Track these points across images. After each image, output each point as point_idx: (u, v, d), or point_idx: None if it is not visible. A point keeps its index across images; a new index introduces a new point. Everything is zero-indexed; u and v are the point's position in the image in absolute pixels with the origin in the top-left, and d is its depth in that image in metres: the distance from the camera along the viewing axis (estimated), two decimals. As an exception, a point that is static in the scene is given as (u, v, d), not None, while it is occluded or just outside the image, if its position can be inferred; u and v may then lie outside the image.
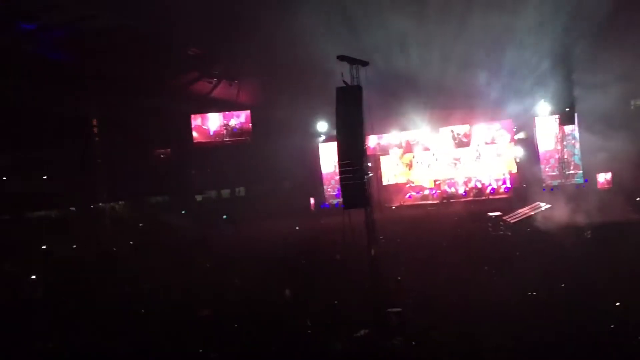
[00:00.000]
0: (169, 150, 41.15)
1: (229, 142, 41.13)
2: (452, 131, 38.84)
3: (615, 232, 20.23)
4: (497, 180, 38.53)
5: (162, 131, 38.92)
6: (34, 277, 23.83)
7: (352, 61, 17.51)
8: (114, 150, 35.45)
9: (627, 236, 19.96)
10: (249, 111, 41.56)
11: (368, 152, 18.25)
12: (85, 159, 33.88)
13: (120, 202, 37.95)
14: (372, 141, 37.47)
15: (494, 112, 37.10)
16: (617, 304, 13.60)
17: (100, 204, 34.58)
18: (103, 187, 33.70)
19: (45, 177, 34.20)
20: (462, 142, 38.79)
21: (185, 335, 14.42)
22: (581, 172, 35.76)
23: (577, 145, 35.69)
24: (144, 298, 19.29)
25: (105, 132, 34.93)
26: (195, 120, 40.92)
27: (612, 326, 12.19)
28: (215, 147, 40.86)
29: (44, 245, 28.89)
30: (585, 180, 35.35)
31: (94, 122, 34.20)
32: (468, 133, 38.63)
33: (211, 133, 41.01)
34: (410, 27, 29.87)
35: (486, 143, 38.48)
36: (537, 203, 28.41)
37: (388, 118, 36.29)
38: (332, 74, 18.04)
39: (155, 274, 22.65)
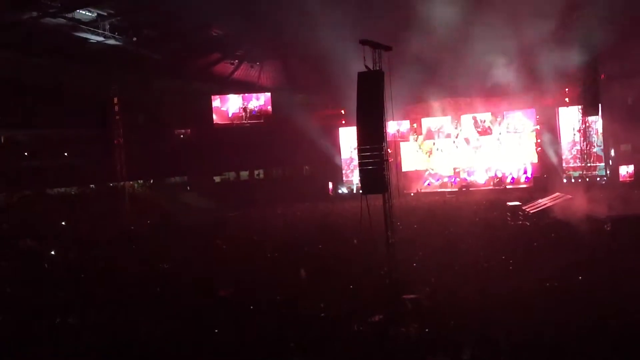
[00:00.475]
0: (189, 130, 41.30)
1: (248, 125, 41.20)
2: (474, 118, 38.64)
3: (635, 226, 19.97)
4: (517, 170, 38.27)
5: (183, 112, 39.14)
6: (53, 252, 24.13)
7: (375, 45, 17.36)
8: (135, 129, 35.70)
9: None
10: (269, 94, 41.58)
11: (388, 138, 18.12)
12: (106, 137, 34.11)
13: (139, 181, 38.23)
14: (392, 127, 37.30)
15: (517, 100, 36.86)
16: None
17: (120, 183, 34.87)
18: (122, 166, 33.93)
19: (66, 154, 34.55)
20: (483, 130, 38.59)
21: (201, 314, 14.50)
22: (603, 164, 35.43)
23: (600, 137, 35.33)
24: (160, 277, 19.41)
25: (127, 111, 35.12)
26: (215, 102, 41.05)
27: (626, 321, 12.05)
28: (234, 129, 40.98)
29: (63, 222, 29.18)
30: (604, 174, 35.06)
31: (115, 101, 34.34)
32: (490, 121, 38.42)
33: (230, 115, 41.14)
34: (434, 12, 29.65)
35: (508, 132, 38.21)
36: (557, 194, 28.18)
37: (409, 104, 36.13)
38: (355, 58, 17.93)
39: (171, 254, 22.86)
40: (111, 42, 31.06)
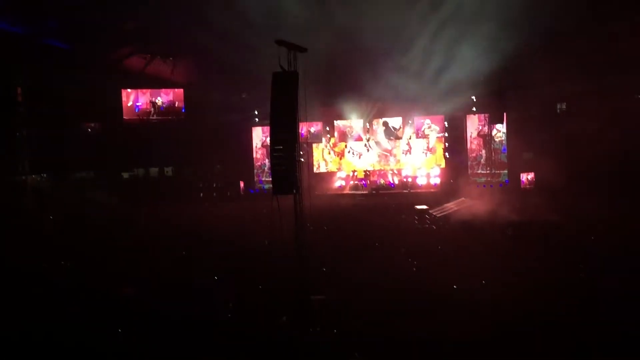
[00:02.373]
0: (97, 124, 40.03)
1: (155, 120, 40.38)
2: (385, 123, 39.32)
3: (534, 231, 20.86)
4: (426, 174, 39.22)
5: (92, 105, 37.85)
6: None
7: (290, 46, 17.37)
8: (40, 122, 34.35)
9: (546, 236, 20.66)
10: (180, 90, 40.90)
11: (300, 139, 18.15)
12: (8, 129, 32.65)
13: (43, 175, 36.75)
14: (305, 128, 37.46)
15: (426, 107, 37.82)
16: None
17: (22, 177, 33.43)
18: (25, 158, 32.53)
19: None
20: (394, 135, 39.34)
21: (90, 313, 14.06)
22: (506, 171, 36.84)
23: (504, 145, 36.73)
24: (60, 274, 18.75)
25: (31, 103, 33.73)
26: (125, 96, 40.03)
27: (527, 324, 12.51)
28: (145, 125, 40.05)
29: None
30: (506, 181, 36.50)
31: (19, 92, 32.89)
32: (400, 126, 39.23)
33: (137, 110, 40.20)
34: (349, 18, 30.05)
35: (417, 137, 39.10)
36: (463, 198, 29.06)
37: (323, 106, 36.37)
38: (270, 57, 17.88)
39: (72, 250, 22.14)
40: (16, 30, 29.78)
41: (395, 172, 39.73)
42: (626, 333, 11.69)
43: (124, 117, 39.85)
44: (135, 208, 33.33)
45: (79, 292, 16.17)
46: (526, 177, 36.03)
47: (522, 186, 36.00)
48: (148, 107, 40.36)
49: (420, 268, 18.07)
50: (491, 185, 35.93)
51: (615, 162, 30.20)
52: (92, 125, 39.88)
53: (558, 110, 36.83)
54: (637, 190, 29.11)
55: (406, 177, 39.37)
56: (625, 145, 30.25)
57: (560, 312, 13.15)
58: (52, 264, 20.34)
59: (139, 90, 40.35)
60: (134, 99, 40.28)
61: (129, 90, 40.15)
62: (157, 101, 40.52)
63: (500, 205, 26.05)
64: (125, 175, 40.33)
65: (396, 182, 39.56)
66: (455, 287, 15.53)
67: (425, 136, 38.93)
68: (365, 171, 40.30)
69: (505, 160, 36.98)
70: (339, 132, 40.19)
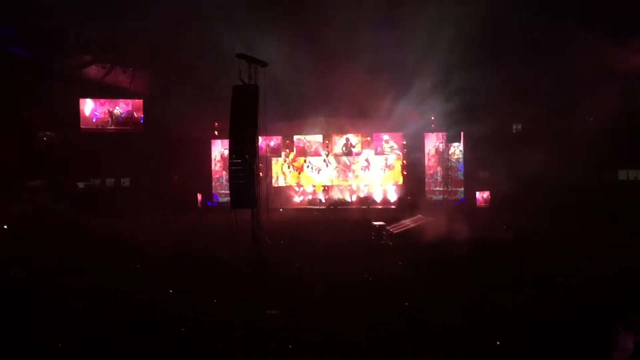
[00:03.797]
0: (53, 133, 39.37)
1: (113, 131, 39.97)
2: (346, 139, 39.61)
3: (488, 250, 21.16)
4: (384, 191, 39.54)
5: (48, 114, 37.28)
6: None
7: (251, 60, 17.49)
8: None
9: (501, 253, 21.00)
10: (139, 100, 40.59)
11: (259, 153, 18.21)
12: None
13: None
14: (264, 142, 37.49)
15: (386, 124, 38.19)
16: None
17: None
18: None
19: None
20: (353, 151, 39.64)
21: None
22: (462, 189, 37.38)
23: (461, 163, 37.30)
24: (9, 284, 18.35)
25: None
26: (83, 105, 39.52)
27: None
28: (103, 135, 39.59)
29: None
30: (462, 199, 37.05)
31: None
32: (359, 142, 39.56)
33: (95, 120, 39.71)
34: (311, 34, 30.34)
35: (376, 154, 39.44)
36: (420, 215, 29.32)
37: (282, 121, 36.43)
38: (231, 71, 17.95)
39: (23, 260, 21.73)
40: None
41: (354, 188, 39.95)
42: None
43: (82, 127, 39.31)
44: (90, 218, 32.82)
45: (28, 302, 15.84)
46: (482, 195, 36.59)
47: (477, 204, 36.55)
48: (106, 117, 39.95)
49: (375, 283, 18.20)
50: (442, 204, 36.38)
51: (568, 180, 30.91)
52: (49, 133, 39.21)
53: (514, 130, 37.59)
54: (587, 209, 29.87)
55: (363, 193, 39.63)
56: (577, 164, 31.05)
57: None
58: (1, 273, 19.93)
59: (98, 99, 39.88)
60: (92, 109, 39.80)
61: (87, 99, 39.63)
62: (115, 111, 40.12)
63: (455, 223, 26.34)
64: (81, 185, 39.69)
65: (354, 198, 39.78)
66: (406, 303, 15.67)
67: (383, 153, 39.29)
68: (323, 186, 40.44)
69: (462, 179, 37.52)
70: (298, 147, 40.31)
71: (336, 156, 40.08)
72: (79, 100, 39.32)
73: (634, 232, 24.88)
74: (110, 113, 40.04)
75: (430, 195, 37.94)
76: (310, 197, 40.45)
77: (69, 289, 17.47)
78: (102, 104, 40.00)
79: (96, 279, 19.03)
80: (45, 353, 12.26)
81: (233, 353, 12.26)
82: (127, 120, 40.35)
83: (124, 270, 20.43)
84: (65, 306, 15.63)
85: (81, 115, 39.43)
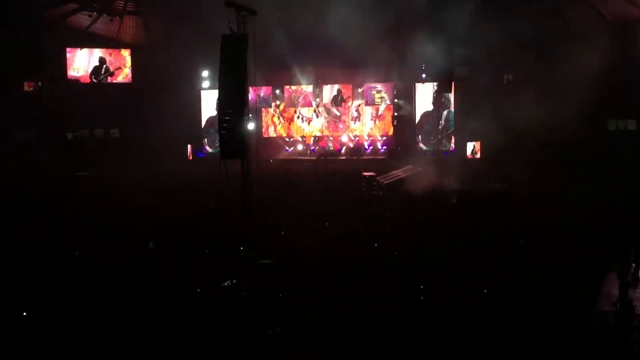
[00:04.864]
0: (39, 83, 38.86)
1: (104, 81, 39.54)
2: (336, 89, 39.40)
3: (478, 200, 21.29)
4: (374, 141, 39.50)
5: (34, 64, 36.72)
6: None
7: (239, 8, 17.17)
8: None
9: (490, 203, 21.12)
10: (128, 50, 40.04)
11: (249, 103, 18.07)
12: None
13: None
14: (254, 93, 37.19)
15: (376, 74, 37.92)
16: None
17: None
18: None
19: None
20: (343, 101, 39.46)
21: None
22: (453, 139, 37.34)
23: (452, 114, 37.17)
24: None
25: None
26: (70, 55, 38.94)
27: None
28: (90, 85, 39.17)
29: None
30: (453, 150, 37.00)
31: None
32: (350, 92, 39.36)
33: (85, 70, 39.19)
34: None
35: (367, 104, 39.28)
36: (410, 166, 29.38)
37: (273, 71, 36.05)
38: (220, 19, 17.64)
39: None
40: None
41: (344, 138, 39.87)
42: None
43: (69, 77, 38.84)
44: (79, 169, 32.75)
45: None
46: (473, 146, 36.60)
47: (468, 155, 36.58)
48: (95, 67, 39.44)
49: (364, 234, 18.33)
50: (432, 154, 36.28)
51: (558, 131, 30.96)
52: (35, 84, 38.70)
53: (505, 81, 37.36)
54: (577, 159, 30.00)
55: (353, 143, 39.53)
56: (569, 116, 31.05)
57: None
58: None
59: (88, 49, 39.30)
60: (82, 59, 39.23)
61: (76, 49, 39.06)
62: (105, 62, 39.59)
63: (446, 173, 26.45)
64: (70, 135, 39.38)
65: (343, 148, 39.74)
66: (395, 253, 15.81)
67: (374, 103, 39.14)
68: (314, 137, 40.36)
69: (452, 129, 37.46)
70: (288, 97, 40.07)
71: (326, 106, 39.90)
72: (65, 50, 38.73)
73: (623, 182, 25.04)
74: (101, 63, 39.51)
75: (422, 146, 37.91)
76: (300, 147, 40.35)
77: (59, 240, 17.50)
78: (93, 54, 39.43)
79: (88, 229, 19.08)
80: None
81: (223, 302, 12.35)
82: (117, 70, 39.84)
83: (114, 220, 20.49)
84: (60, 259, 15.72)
85: (69, 65, 38.92)
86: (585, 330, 11.00)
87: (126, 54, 40.11)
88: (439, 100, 36.20)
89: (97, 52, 39.52)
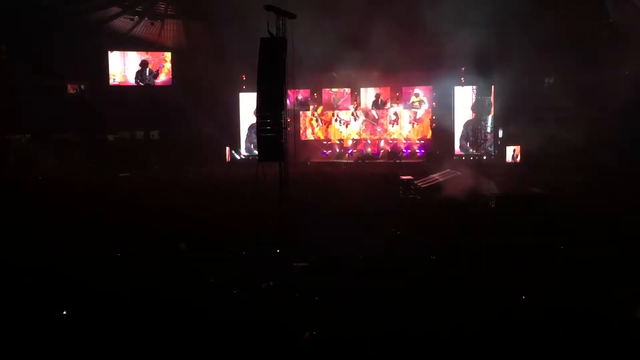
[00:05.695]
0: (82, 86, 39.61)
1: (145, 84, 40.13)
2: (374, 92, 39.34)
3: (517, 205, 20.95)
4: (412, 145, 39.30)
5: (77, 66, 37.45)
6: None
7: (279, 12, 17.28)
8: (23, 79, 34.13)
9: (529, 208, 20.78)
10: (169, 53, 40.56)
11: (288, 106, 18.15)
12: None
13: (26, 135, 36.52)
14: (292, 96, 37.34)
15: (415, 77, 37.78)
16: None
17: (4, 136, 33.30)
18: (6, 117, 32.39)
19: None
20: (383, 104, 39.37)
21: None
22: (492, 143, 36.97)
23: (491, 118, 36.80)
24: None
25: (14, 60, 33.47)
26: (112, 57, 39.61)
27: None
28: (131, 87, 39.81)
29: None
30: (493, 155, 36.61)
31: (2, 49, 32.57)
32: (388, 95, 39.25)
33: (126, 72, 39.82)
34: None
35: (405, 107, 39.12)
36: (448, 170, 29.12)
37: (311, 74, 36.15)
38: (259, 23, 17.79)
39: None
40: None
41: (382, 142, 39.74)
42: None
43: (111, 79, 39.54)
44: (120, 171, 33.28)
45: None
46: (513, 150, 36.15)
47: (508, 160, 36.14)
48: (138, 70, 40.08)
49: (402, 237, 18.22)
50: (471, 159, 36.00)
51: (602, 137, 30.46)
52: (78, 85, 39.46)
53: (546, 84, 36.85)
54: (620, 164, 29.45)
55: (391, 147, 39.36)
56: (610, 120, 30.52)
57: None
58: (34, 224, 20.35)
59: (130, 52, 39.94)
60: (125, 61, 39.88)
61: (118, 52, 39.70)
62: (147, 65, 40.17)
63: (484, 177, 26.14)
64: (111, 137, 40.07)
65: (382, 152, 39.61)
66: (433, 257, 15.66)
67: (412, 106, 38.96)
68: (352, 140, 40.32)
69: (491, 134, 37.08)
70: (326, 100, 40.11)
71: (364, 110, 39.85)
72: (107, 53, 39.41)
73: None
74: (143, 66, 40.13)
75: (461, 151, 37.61)
76: (338, 151, 40.32)
77: (99, 239, 17.77)
78: (135, 57, 40.07)
79: (127, 228, 19.35)
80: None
81: (258, 304, 12.37)
82: (158, 73, 40.41)
83: (154, 221, 20.75)
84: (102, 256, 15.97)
85: (111, 67, 39.60)
86: (628, 336, 10.77)
87: (166, 56, 40.60)
88: (478, 104, 35.89)
89: (135, 55, 40.08)
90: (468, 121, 37.44)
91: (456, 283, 13.40)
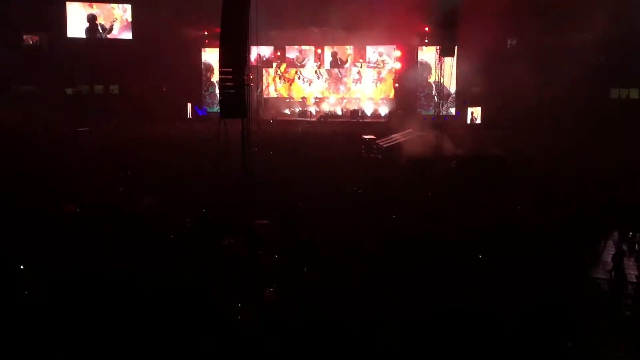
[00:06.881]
0: (39, 37, 38.50)
1: (104, 37, 39.16)
2: (336, 50, 39.09)
3: (477, 165, 21.23)
4: (375, 104, 39.32)
5: (34, 17, 36.32)
6: None
7: (243, -34, 17.00)
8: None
9: (489, 169, 21.08)
10: (129, 5, 39.50)
11: (250, 63, 17.98)
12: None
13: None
14: (255, 52, 36.91)
15: (379, 35, 37.52)
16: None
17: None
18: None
19: None
20: (345, 62, 39.19)
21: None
22: (454, 104, 37.16)
23: (454, 79, 36.87)
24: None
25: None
26: (70, 9, 38.44)
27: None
28: (90, 40, 38.78)
29: None
30: (457, 113, 36.81)
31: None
32: (352, 54, 39.05)
33: (85, 24, 38.74)
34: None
35: (368, 66, 39.00)
36: (410, 130, 29.26)
37: (274, 31, 35.71)
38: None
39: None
40: None
41: (344, 100, 39.69)
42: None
43: (69, 32, 38.44)
44: (78, 126, 32.60)
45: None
46: (474, 111, 36.42)
47: (469, 120, 36.42)
48: (96, 22, 38.99)
49: (363, 195, 18.38)
50: (432, 119, 36.12)
51: (562, 100, 30.87)
52: (35, 37, 38.34)
53: (508, 46, 37.03)
54: (579, 125, 29.93)
55: (354, 105, 39.34)
56: (571, 84, 30.89)
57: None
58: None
59: (88, 3, 38.79)
60: (83, 13, 38.73)
61: (76, 3, 38.54)
62: (106, 17, 39.12)
63: (445, 138, 26.36)
64: (69, 91, 39.12)
65: (344, 110, 39.58)
66: (393, 216, 15.86)
67: (376, 66, 38.86)
68: (314, 98, 40.16)
69: (454, 95, 37.23)
70: (289, 58, 39.77)
71: (327, 68, 39.65)
72: (65, 5, 38.22)
73: (623, 151, 24.99)
74: (100, 18, 39.07)
75: (420, 110, 37.72)
76: (301, 108, 40.16)
77: (59, 196, 17.54)
78: (93, 9, 38.94)
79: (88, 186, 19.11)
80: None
81: (222, 262, 12.43)
82: (117, 26, 39.43)
83: (114, 178, 20.52)
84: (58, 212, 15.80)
85: (70, 19, 38.47)
86: (580, 296, 11.13)
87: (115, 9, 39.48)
88: (441, 64, 35.91)
89: (97, 7, 38.98)
90: (430, 82, 37.45)
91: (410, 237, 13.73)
